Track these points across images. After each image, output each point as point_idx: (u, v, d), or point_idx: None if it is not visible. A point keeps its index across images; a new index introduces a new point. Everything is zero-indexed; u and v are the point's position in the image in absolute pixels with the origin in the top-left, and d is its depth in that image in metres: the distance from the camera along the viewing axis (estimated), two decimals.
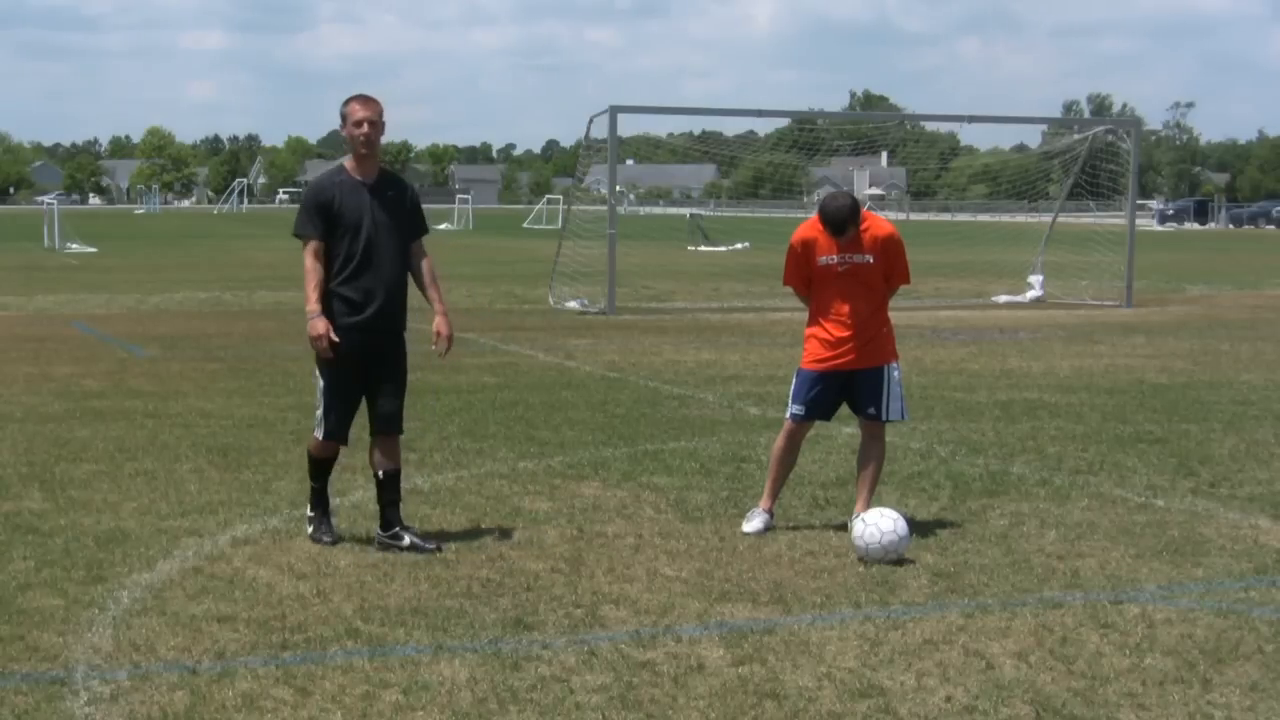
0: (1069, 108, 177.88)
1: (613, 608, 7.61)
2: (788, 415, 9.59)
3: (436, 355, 9.53)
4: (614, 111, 27.82)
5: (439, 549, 8.77)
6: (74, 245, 54.27)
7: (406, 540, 8.85)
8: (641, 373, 17.59)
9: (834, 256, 9.40)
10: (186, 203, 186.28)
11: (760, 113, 34.59)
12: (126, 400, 14.80)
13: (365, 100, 8.95)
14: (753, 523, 9.36)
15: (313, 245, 8.81)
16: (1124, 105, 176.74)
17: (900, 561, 8.47)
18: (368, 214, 8.81)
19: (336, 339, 8.72)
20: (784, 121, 57.47)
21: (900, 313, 27.72)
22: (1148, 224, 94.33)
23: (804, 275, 9.61)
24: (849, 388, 9.50)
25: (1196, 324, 25.73)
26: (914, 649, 6.95)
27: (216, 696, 6.22)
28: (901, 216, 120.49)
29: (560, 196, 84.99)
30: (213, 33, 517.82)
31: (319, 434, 9.08)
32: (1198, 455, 12.04)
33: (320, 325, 8.69)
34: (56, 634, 7.09)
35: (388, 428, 9.07)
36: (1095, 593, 7.95)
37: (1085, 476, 11.17)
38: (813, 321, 9.64)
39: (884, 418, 9.45)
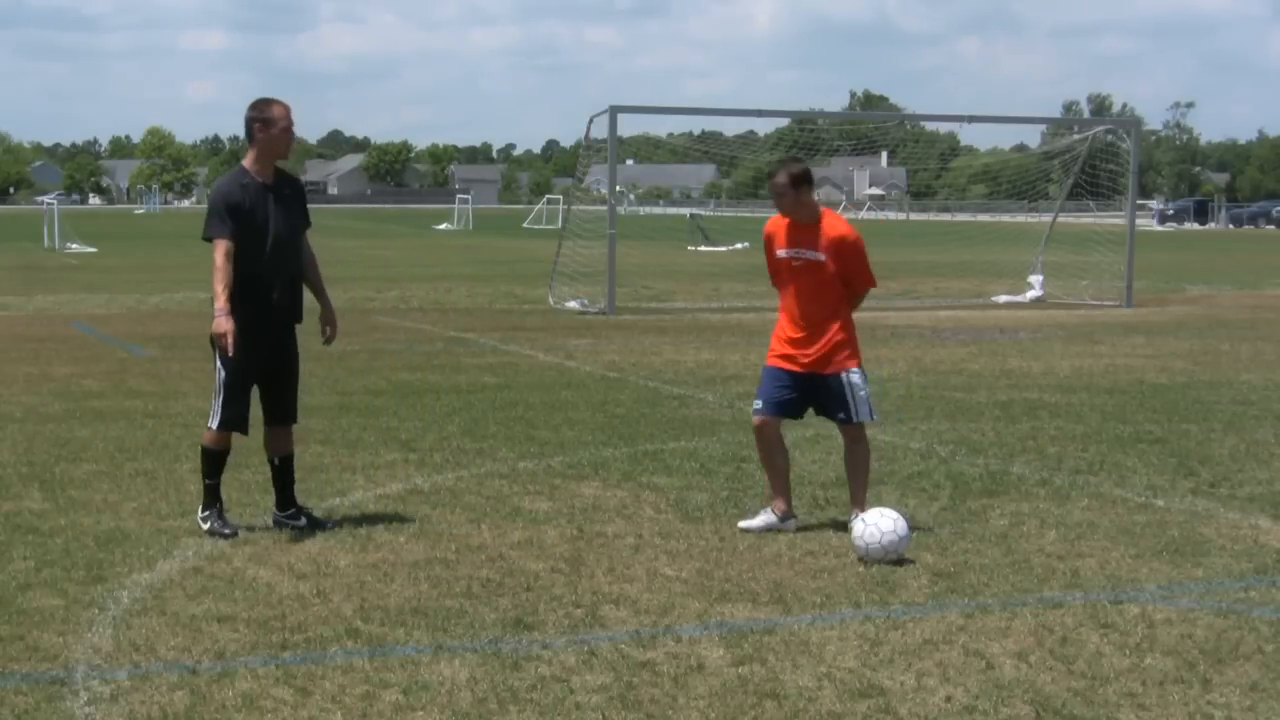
0: (1069, 108, 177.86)
1: (613, 608, 7.61)
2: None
3: (323, 343, 9.85)
4: (614, 111, 27.83)
5: (338, 526, 9.24)
6: (74, 245, 54.30)
7: (303, 520, 9.31)
8: (641, 373, 17.59)
9: (787, 250, 9.49)
10: (186, 203, 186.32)
11: (760, 113, 34.59)
12: (126, 400, 14.80)
13: (288, 108, 9.23)
14: (755, 519, 9.39)
15: (224, 245, 8.99)
16: (1124, 105, 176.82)
17: (900, 561, 8.47)
18: (273, 213, 9.14)
19: (237, 339, 8.91)
20: (784, 121, 57.33)
21: (900, 313, 27.89)
22: (1148, 224, 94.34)
23: (773, 268, 9.70)
24: (814, 393, 9.46)
25: (1196, 324, 25.73)
26: (914, 649, 6.95)
27: (216, 696, 6.22)
28: (902, 216, 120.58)
29: (560, 196, 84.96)
30: (213, 33, 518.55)
31: (215, 424, 9.23)
32: (1198, 455, 12.04)
33: (226, 324, 8.88)
34: (56, 634, 7.08)
35: (286, 418, 9.47)
36: (1095, 593, 7.95)
37: (1085, 476, 11.17)
38: (779, 316, 9.69)
39: (855, 419, 9.39)
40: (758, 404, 9.54)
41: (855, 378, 9.42)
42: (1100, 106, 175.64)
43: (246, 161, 9.28)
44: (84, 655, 6.77)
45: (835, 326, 9.47)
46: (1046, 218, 36.96)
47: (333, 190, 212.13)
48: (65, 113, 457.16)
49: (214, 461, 9.31)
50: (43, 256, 48.63)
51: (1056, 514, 9.87)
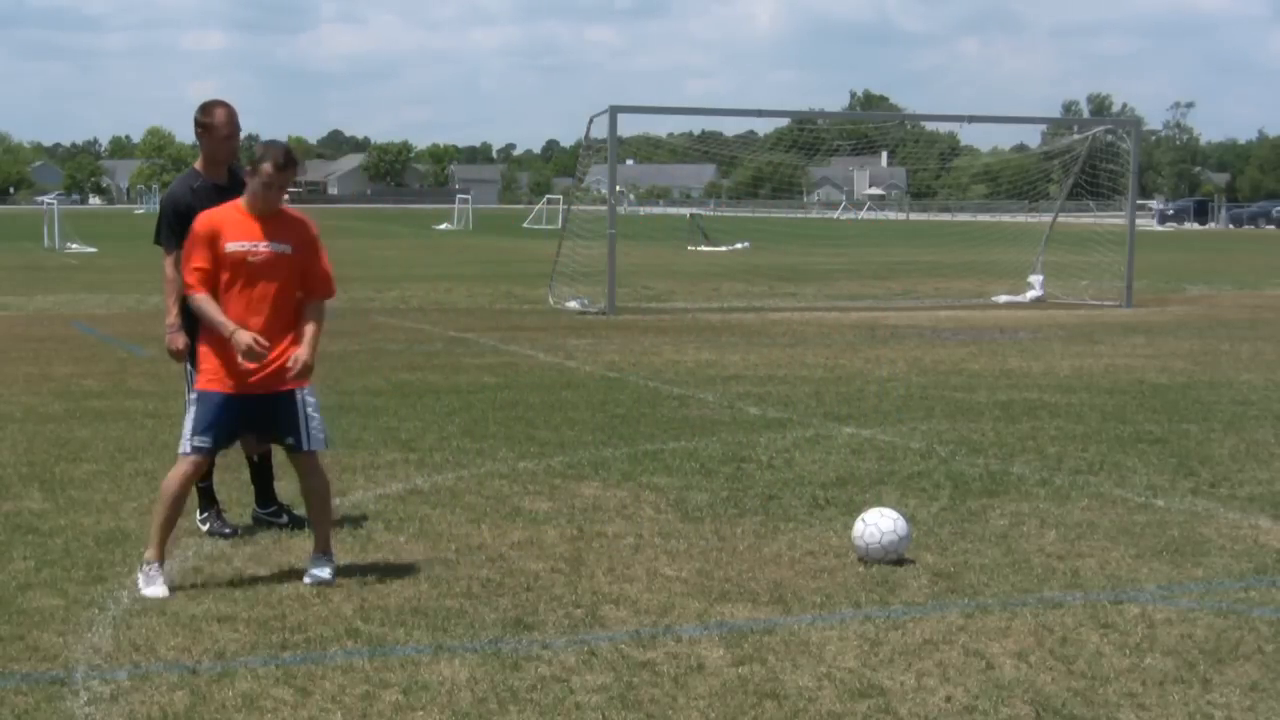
0: (1069, 108, 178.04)
1: (613, 608, 7.61)
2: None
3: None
4: (614, 111, 27.83)
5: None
6: (74, 245, 54.29)
7: (284, 518, 9.42)
8: (641, 373, 17.59)
9: (245, 244, 8.02)
10: None
11: (760, 113, 34.63)
12: (126, 400, 14.81)
13: (230, 113, 9.17)
14: (154, 587, 7.80)
15: (174, 254, 8.91)
16: (1124, 105, 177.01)
17: (900, 561, 8.47)
18: None
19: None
20: (784, 121, 57.43)
21: (900, 312, 27.92)
22: (1148, 224, 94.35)
23: (211, 266, 8.05)
24: (259, 413, 8.19)
25: (1196, 324, 25.73)
26: (914, 649, 6.95)
27: (216, 696, 6.21)
28: (902, 216, 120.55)
29: (560, 196, 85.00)
30: (213, 33, 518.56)
31: (184, 449, 9.13)
32: (1198, 455, 12.04)
33: (180, 340, 8.93)
34: (56, 634, 7.08)
35: None
36: (1095, 593, 7.95)
37: (1085, 476, 11.16)
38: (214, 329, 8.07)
39: (305, 446, 8.19)
40: (204, 442, 8.06)
41: (312, 398, 8.24)
42: (1100, 106, 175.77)
43: (198, 163, 9.32)
44: (84, 655, 6.77)
45: (292, 337, 8.17)
46: (1046, 218, 36.96)
47: (333, 190, 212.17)
48: (65, 113, 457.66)
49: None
50: (43, 256, 48.64)
51: (1056, 514, 9.87)
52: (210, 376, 8.01)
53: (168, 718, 5.99)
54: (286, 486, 9.59)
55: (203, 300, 8.01)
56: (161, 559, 7.93)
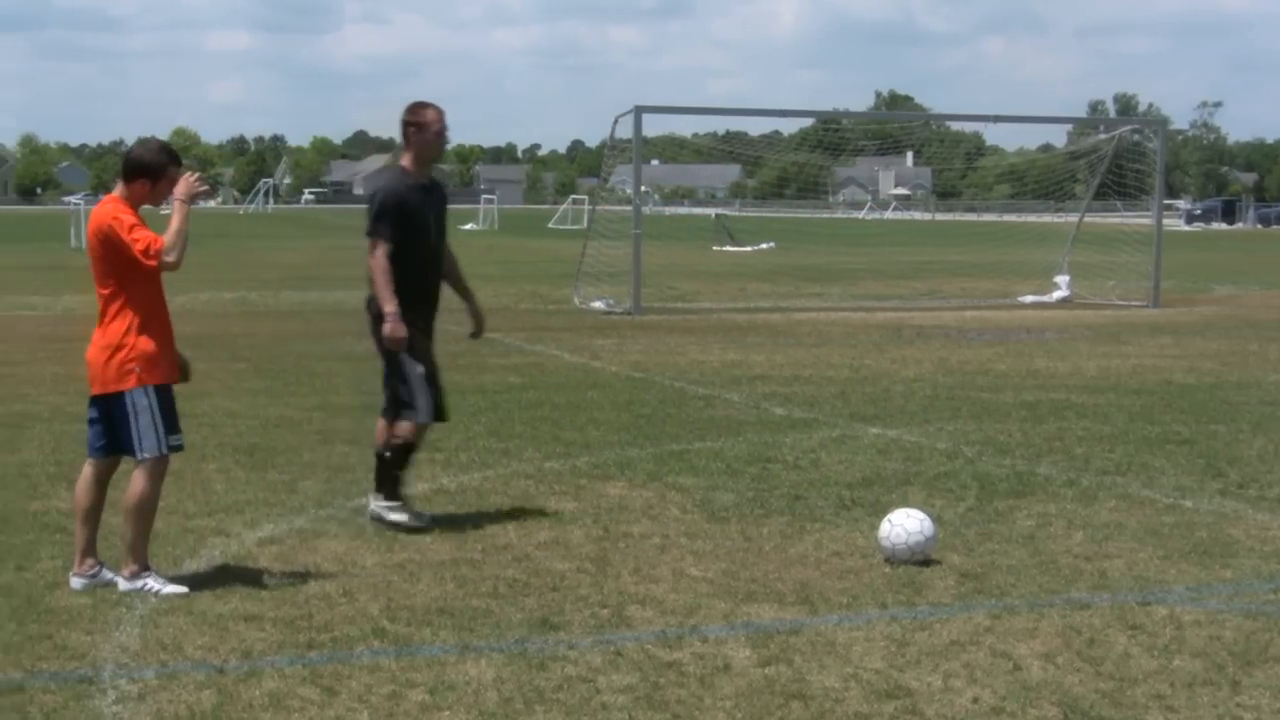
0: (1094, 107, 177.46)
1: (639, 608, 7.61)
2: (164, 450, 7.97)
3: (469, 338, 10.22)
4: (639, 111, 27.81)
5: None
6: None
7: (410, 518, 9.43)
8: (667, 373, 17.58)
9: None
10: (212, 203, 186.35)
11: (785, 113, 34.67)
12: None
13: (441, 111, 9.42)
14: (170, 585, 7.81)
15: (387, 246, 9.19)
16: (1150, 105, 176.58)
17: (927, 562, 8.45)
18: (431, 212, 9.38)
19: (413, 332, 9.23)
20: (809, 121, 57.52)
21: (926, 313, 27.86)
22: (1175, 224, 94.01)
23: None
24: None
25: (1224, 324, 25.64)
26: (940, 650, 6.93)
27: (243, 695, 6.23)
28: (927, 216, 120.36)
29: (585, 197, 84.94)
30: (238, 33, 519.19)
31: (420, 418, 9.41)
32: (1226, 456, 11.99)
33: (403, 329, 9.14)
34: (84, 633, 7.11)
35: (440, 416, 9.71)
36: (1123, 594, 7.92)
37: (1112, 477, 11.13)
38: (144, 318, 7.98)
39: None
40: (178, 439, 8.09)
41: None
42: (1126, 106, 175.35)
43: (404, 162, 9.48)
44: (112, 654, 6.79)
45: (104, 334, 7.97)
46: (1072, 218, 36.85)
47: (358, 190, 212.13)
48: (91, 113, 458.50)
49: (407, 453, 9.50)
50: (69, 256, 48.74)
51: (1083, 515, 9.84)
52: (157, 368, 7.96)
53: (195, 716, 6.01)
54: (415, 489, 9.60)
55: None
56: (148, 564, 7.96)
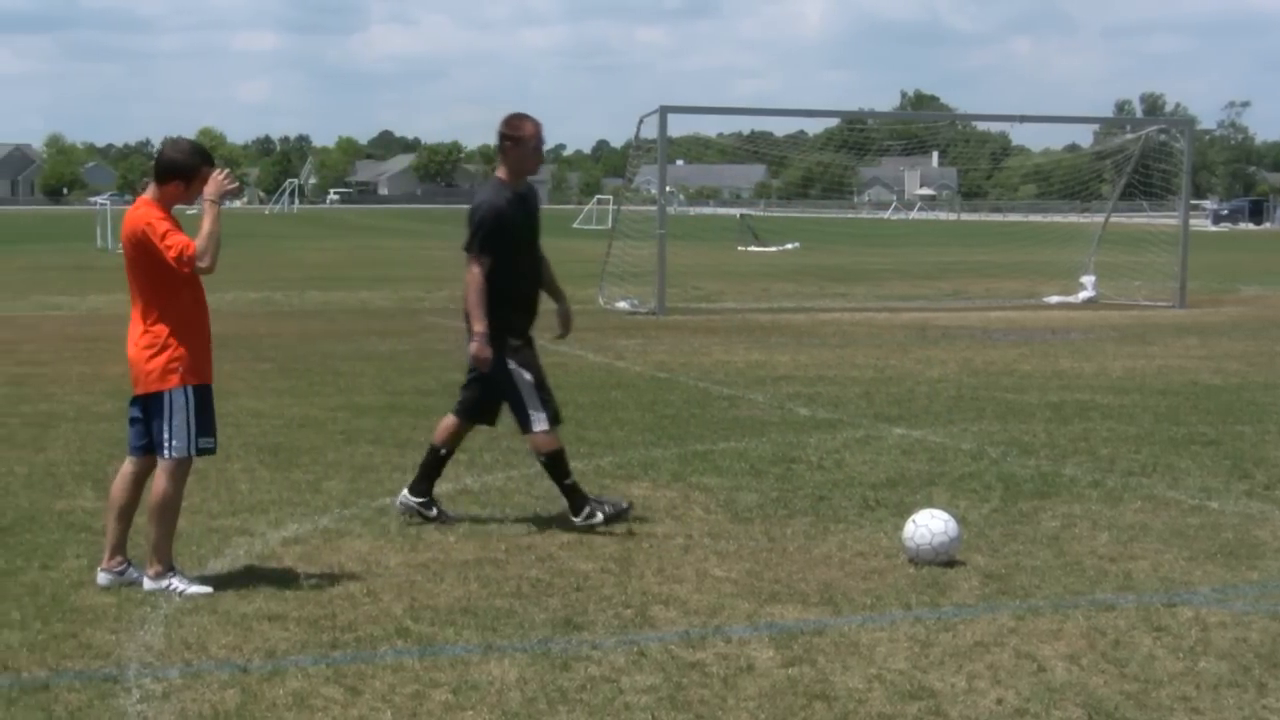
0: (1121, 107, 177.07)
1: (662, 608, 7.60)
2: (192, 452, 7.94)
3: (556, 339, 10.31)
4: (664, 111, 27.81)
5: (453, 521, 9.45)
6: None
7: (433, 512, 9.52)
8: (691, 373, 17.58)
9: None
10: (238, 203, 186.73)
11: (810, 113, 34.71)
12: None
13: (539, 124, 9.46)
14: (194, 585, 7.86)
15: (485, 261, 9.21)
16: (1177, 104, 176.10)
17: (951, 563, 8.43)
18: (527, 222, 9.43)
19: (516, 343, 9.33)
20: (834, 121, 57.28)
21: (951, 313, 27.79)
22: (1202, 224, 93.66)
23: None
24: None
25: (1251, 325, 25.54)
26: (965, 651, 6.91)
27: (267, 695, 6.24)
28: (953, 217, 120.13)
29: (610, 197, 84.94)
30: (265, 34, 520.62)
31: (543, 427, 9.35)
32: (1252, 457, 11.94)
33: (488, 352, 9.17)
34: (109, 632, 7.13)
35: (488, 421, 9.77)
36: (1148, 595, 7.89)
37: (1138, 478, 11.09)
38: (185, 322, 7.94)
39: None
40: (209, 442, 8.03)
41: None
42: (1153, 106, 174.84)
43: (501, 174, 9.50)
44: (136, 653, 6.81)
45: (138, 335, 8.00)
46: (1099, 218, 36.72)
47: (383, 190, 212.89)
48: (118, 114, 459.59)
49: (561, 461, 9.44)
50: (95, 256, 48.93)
51: (1109, 516, 9.81)
52: (188, 369, 7.89)
53: (219, 716, 6.02)
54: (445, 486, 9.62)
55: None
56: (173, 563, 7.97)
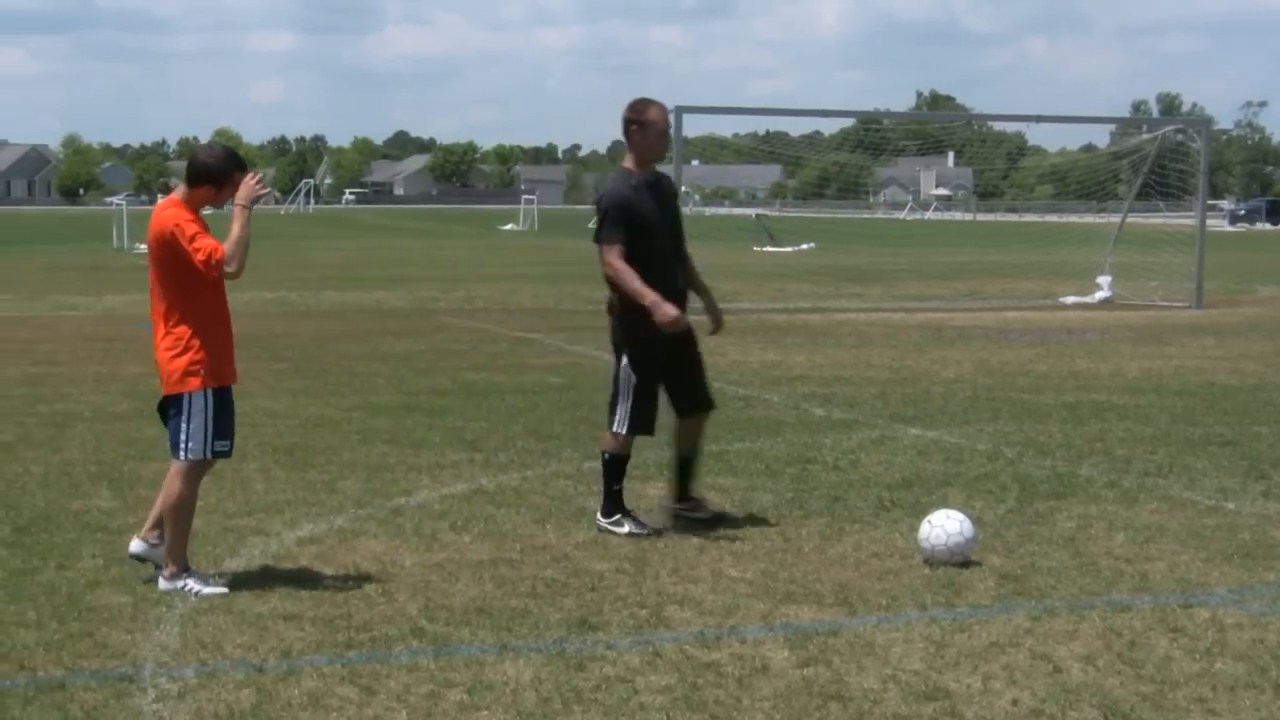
0: (1137, 107, 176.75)
1: (677, 608, 7.60)
2: (207, 455, 7.98)
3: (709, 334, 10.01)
4: (679, 112, 27.75)
5: (718, 519, 9.40)
6: (141, 246, 54.56)
7: (704, 512, 9.44)
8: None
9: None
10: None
11: (826, 113, 34.68)
12: None
13: (664, 109, 9.39)
14: (210, 585, 7.85)
15: (619, 249, 9.14)
16: (1194, 104, 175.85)
17: (966, 563, 8.41)
18: (659, 209, 9.29)
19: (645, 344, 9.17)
20: (849, 121, 57.23)
21: (967, 313, 27.75)
22: (1218, 224, 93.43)
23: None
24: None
25: (1268, 325, 25.46)
26: (980, 651, 6.90)
27: (282, 694, 6.25)
28: (968, 217, 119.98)
29: None
30: (281, 34, 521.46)
31: (623, 429, 9.27)
32: (1269, 458, 11.90)
33: (671, 309, 9.03)
34: (125, 631, 7.14)
35: (706, 404, 9.71)
36: (1164, 596, 7.87)
37: (1154, 479, 11.06)
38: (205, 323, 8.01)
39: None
40: (224, 445, 8.07)
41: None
42: (1169, 106, 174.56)
43: (628, 163, 9.43)
44: (152, 653, 6.82)
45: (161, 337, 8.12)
46: (1115, 218, 36.61)
47: (399, 191, 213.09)
48: (134, 114, 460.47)
49: (620, 467, 9.37)
50: (111, 257, 49.06)
51: (1125, 516, 9.79)
52: (209, 372, 7.94)
53: (234, 715, 6.03)
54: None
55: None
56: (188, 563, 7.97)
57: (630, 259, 9.12)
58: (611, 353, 9.57)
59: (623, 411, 9.31)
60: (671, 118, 9.41)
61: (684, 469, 9.62)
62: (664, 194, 9.41)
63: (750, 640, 7.05)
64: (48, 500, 10.12)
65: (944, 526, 8.48)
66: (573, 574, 8.24)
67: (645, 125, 9.26)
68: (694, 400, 9.62)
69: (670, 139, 9.44)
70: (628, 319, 9.21)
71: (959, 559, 8.42)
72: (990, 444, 12.50)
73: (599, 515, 9.36)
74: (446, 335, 22.10)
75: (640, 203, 9.20)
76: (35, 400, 14.85)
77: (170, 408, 8.00)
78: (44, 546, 8.80)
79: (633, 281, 9.07)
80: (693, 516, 9.46)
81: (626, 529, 9.21)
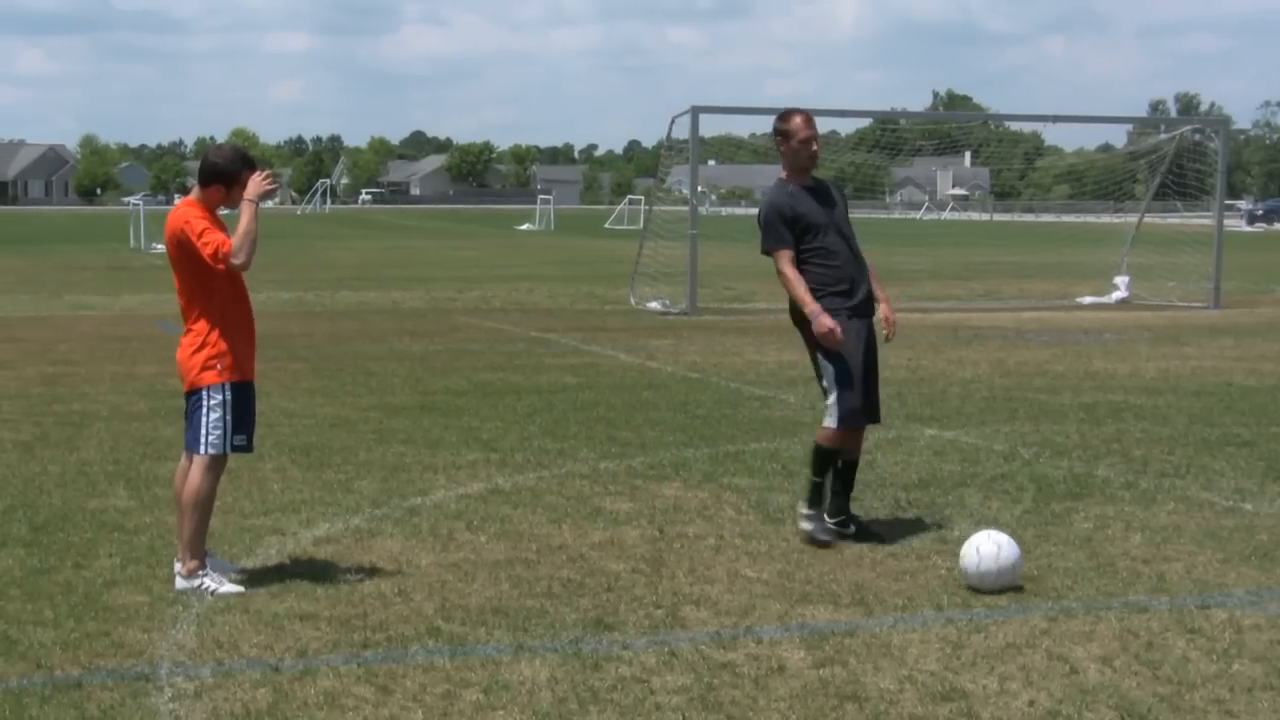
0: (1155, 107, 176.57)
1: (693, 609, 7.59)
2: (225, 450, 8.02)
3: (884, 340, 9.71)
4: (696, 112, 27.79)
5: (879, 537, 9.09)
6: (158, 246, 54.76)
7: (851, 528, 9.18)
8: (723, 373, 17.56)
9: None
10: (270, 203, 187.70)
11: (842, 113, 34.46)
12: None
13: (808, 118, 9.33)
14: (226, 584, 7.89)
15: (786, 255, 9.16)
16: (1212, 104, 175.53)
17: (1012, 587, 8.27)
18: (825, 213, 9.23)
19: (846, 331, 9.05)
20: (866, 122, 57.09)
21: (983, 314, 27.71)
22: (1236, 224, 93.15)
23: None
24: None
25: None
26: (997, 652, 6.89)
27: (298, 694, 6.25)
28: (985, 217, 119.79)
29: (642, 197, 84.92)
30: (298, 34, 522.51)
31: (835, 422, 9.17)
32: None
33: (829, 320, 8.95)
34: (142, 630, 7.15)
35: (872, 416, 9.45)
36: (1181, 597, 7.85)
37: (1171, 480, 11.03)
38: (226, 326, 8.08)
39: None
40: (243, 439, 8.09)
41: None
42: (1187, 106, 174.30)
43: (783, 174, 9.43)
44: (168, 652, 6.83)
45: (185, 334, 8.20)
46: (1132, 218, 36.55)
47: (415, 191, 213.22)
48: (152, 115, 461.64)
49: (829, 460, 9.25)
50: (129, 257, 49.19)
51: (1142, 517, 9.76)
52: (227, 366, 7.95)
53: (250, 714, 6.04)
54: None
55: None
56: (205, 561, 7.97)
57: (806, 263, 9.14)
58: (809, 356, 9.49)
59: (831, 404, 9.23)
60: (808, 128, 9.23)
61: (839, 480, 9.29)
62: (826, 198, 9.31)
63: (766, 641, 7.04)
64: (65, 499, 10.15)
65: (995, 558, 7.93)
66: (589, 574, 8.24)
67: (787, 134, 9.26)
68: (866, 409, 9.42)
69: (812, 148, 9.29)
70: (804, 324, 9.23)
71: (1005, 585, 8.08)
72: (1007, 444, 12.48)
73: (801, 504, 9.22)
74: (463, 335, 22.12)
75: (795, 206, 9.18)
76: (52, 400, 14.88)
77: (189, 403, 8.02)
78: (61, 546, 8.82)
79: (797, 287, 9.11)
80: (844, 532, 9.20)
81: (808, 527, 9.08)
